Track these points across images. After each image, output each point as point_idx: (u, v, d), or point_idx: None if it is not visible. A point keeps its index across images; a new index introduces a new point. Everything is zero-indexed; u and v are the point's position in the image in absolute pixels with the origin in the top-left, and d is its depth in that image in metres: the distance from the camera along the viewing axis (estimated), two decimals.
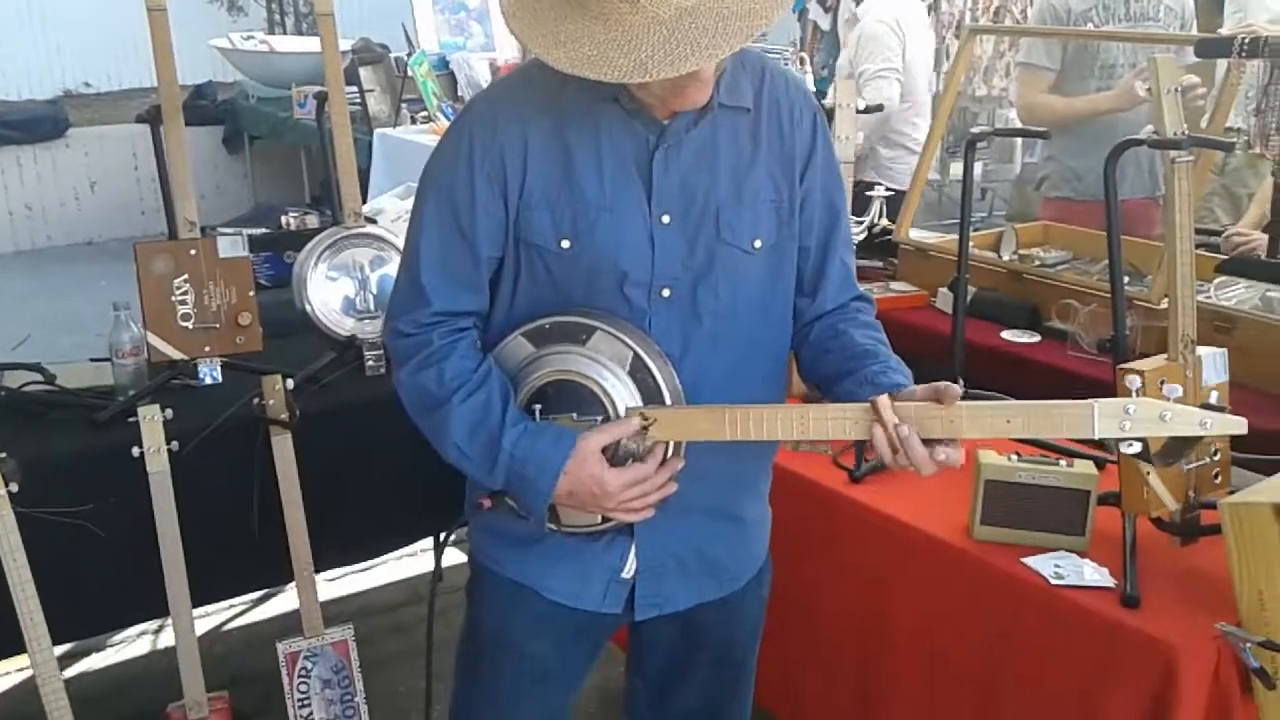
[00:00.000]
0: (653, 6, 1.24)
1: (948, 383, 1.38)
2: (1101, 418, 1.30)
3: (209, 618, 3.19)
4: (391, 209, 3.61)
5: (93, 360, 2.53)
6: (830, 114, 2.51)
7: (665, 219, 1.47)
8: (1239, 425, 1.30)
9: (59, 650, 2.01)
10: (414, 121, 5.53)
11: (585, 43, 1.27)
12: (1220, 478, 1.88)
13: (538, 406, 1.47)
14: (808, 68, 4.57)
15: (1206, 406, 1.34)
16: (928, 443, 1.36)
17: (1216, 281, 2.57)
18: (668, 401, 1.45)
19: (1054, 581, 1.81)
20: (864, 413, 1.38)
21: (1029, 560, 1.87)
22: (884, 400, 1.36)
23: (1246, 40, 2.42)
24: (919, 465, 1.37)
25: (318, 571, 2.35)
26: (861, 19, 4.46)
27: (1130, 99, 3.26)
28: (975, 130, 2.60)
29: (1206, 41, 2.61)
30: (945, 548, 1.95)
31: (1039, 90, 3.52)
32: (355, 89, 5.45)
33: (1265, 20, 4.06)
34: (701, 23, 1.24)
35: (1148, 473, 1.73)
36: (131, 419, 2.13)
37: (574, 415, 1.46)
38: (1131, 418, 1.30)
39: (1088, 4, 3.44)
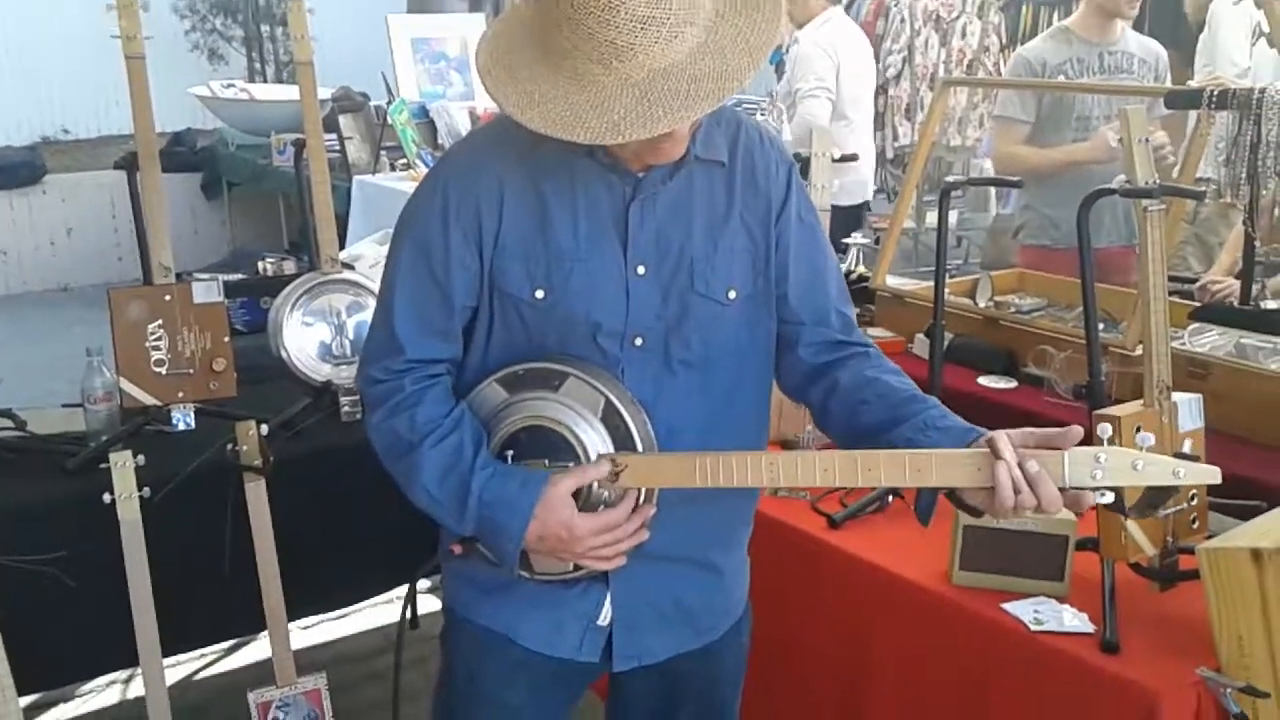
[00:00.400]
0: (625, 68, 1.25)
1: (1070, 427, 1.32)
2: (1072, 465, 1.30)
3: (180, 667, 3.13)
4: (369, 255, 3.61)
5: (65, 406, 2.50)
6: (807, 164, 2.53)
7: (640, 270, 1.48)
8: (1213, 475, 1.30)
9: (26, 701, 1.97)
10: (393, 168, 5.55)
11: (559, 103, 1.27)
12: (1198, 523, 1.89)
13: (510, 453, 1.46)
14: (784, 119, 4.63)
15: (1180, 455, 1.33)
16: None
17: (1190, 328, 2.59)
18: (639, 448, 1.45)
19: (1034, 627, 1.80)
20: (964, 458, 1.33)
21: (1008, 606, 1.86)
22: (1002, 436, 1.31)
23: (1215, 92, 2.47)
24: (1050, 504, 1.31)
25: (291, 619, 2.31)
26: (800, 43, 4.75)
27: (1105, 151, 3.31)
28: (950, 179, 2.62)
29: (1176, 94, 2.66)
30: (925, 593, 1.95)
31: (1014, 142, 3.57)
32: (334, 136, 5.48)
33: (1232, 74, 4.15)
34: (674, 85, 1.25)
35: (1126, 520, 1.73)
36: (103, 465, 2.10)
37: (546, 461, 1.45)
38: (1103, 467, 1.29)
39: (1062, 58, 3.50)
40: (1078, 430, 1.32)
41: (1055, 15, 6.84)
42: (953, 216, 4.60)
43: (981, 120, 6.59)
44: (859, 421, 1.51)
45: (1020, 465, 1.30)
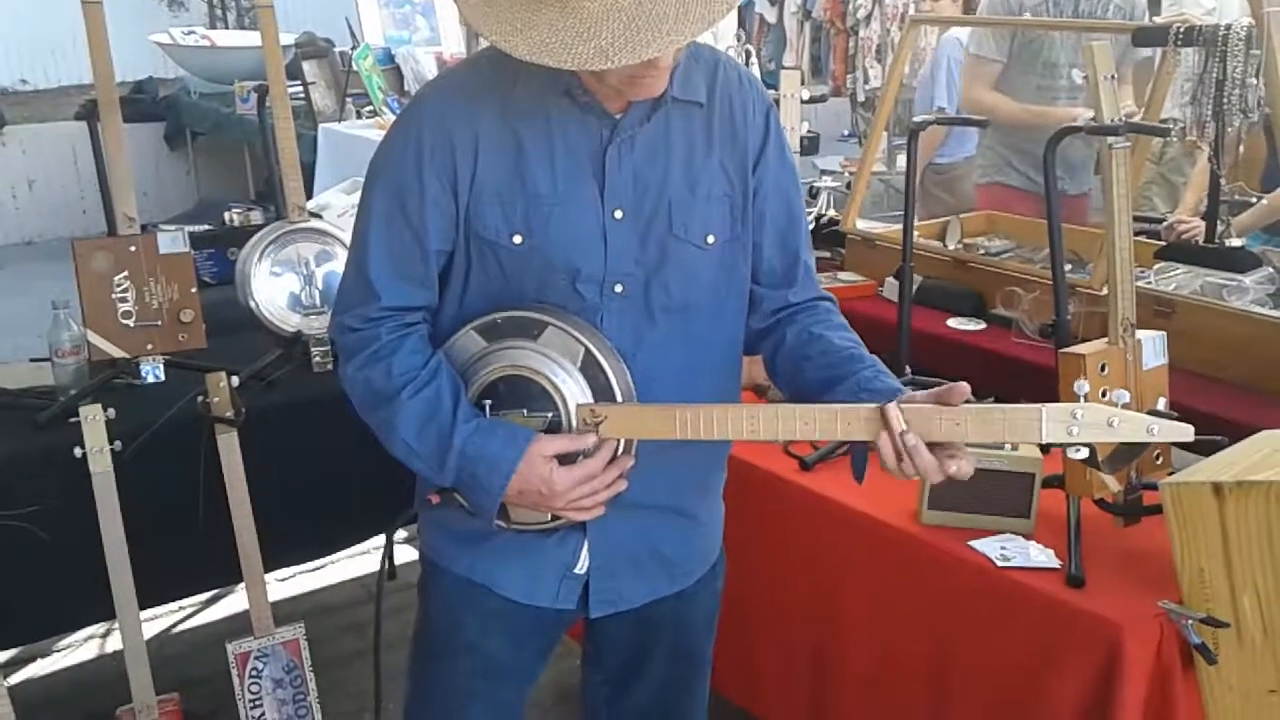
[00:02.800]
0: None
1: (957, 383, 1.35)
2: (1049, 422, 1.31)
3: (157, 620, 3.14)
4: (337, 204, 3.58)
5: (32, 360, 2.48)
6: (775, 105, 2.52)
7: (618, 214, 1.47)
8: (1186, 432, 1.32)
9: (2, 656, 1.98)
10: (359, 116, 5.49)
11: (543, 29, 1.25)
12: (1161, 459, 1.92)
13: (488, 402, 1.45)
14: (754, 61, 4.59)
15: (1154, 413, 1.34)
16: (933, 448, 1.33)
17: (1157, 267, 2.62)
18: (619, 398, 1.44)
19: (1000, 564, 1.83)
20: (865, 416, 1.35)
21: (976, 543, 1.89)
22: (893, 408, 1.33)
23: (1181, 29, 2.47)
24: (926, 473, 1.34)
25: (267, 571, 2.32)
26: None
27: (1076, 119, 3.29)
28: (917, 119, 2.62)
29: (1144, 30, 2.67)
30: (894, 533, 1.97)
31: (987, 83, 3.54)
32: (299, 84, 5.40)
33: (1199, 14, 4.14)
34: (661, 9, 1.23)
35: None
36: (73, 419, 2.09)
37: (524, 411, 1.45)
38: (1079, 423, 1.30)
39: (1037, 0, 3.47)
40: (964, 386, 1.35)
41: None
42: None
43: None
44: (801, 379, 1.54)
45: (901, 435, 1.33)
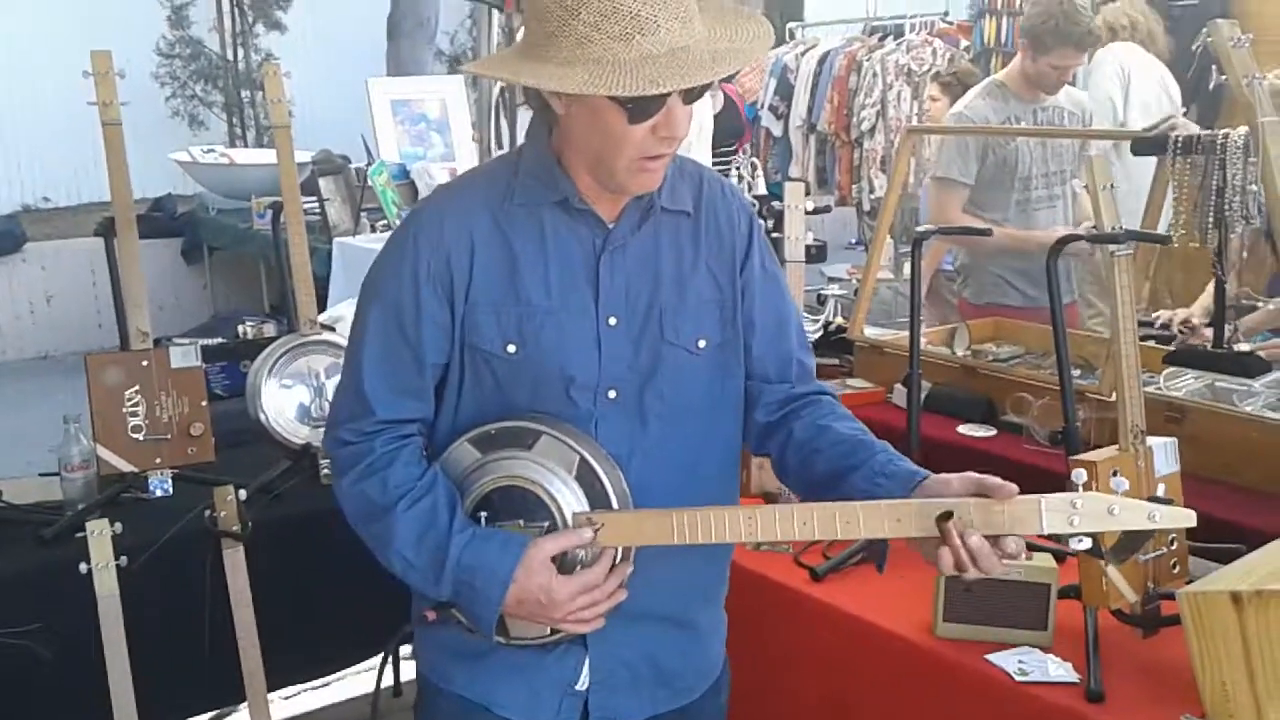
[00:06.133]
0: (646, 43, 1.30)
1: (999, 479, 1.34)
2: (1049, 513, 1.30)
3: None
4: (349, 316, 3.59)
5: (41, 475, 2.48)
6: (780, 216, 2.56)
7: (612, 321, 1.48)
8: (1188, 518, 1.30)
9: None
10: (374, 230, 5.57)
11: (583, 74, 1.30)
12: (1178, 568, 1.89)
13: (483, 514, 1.44)
14: (759, 172, 4.67)
15: (1154, 499, 1.33)
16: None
17: (1166, 372, 2.61)
18: (615, 506, 1.43)
19: (1018, 678, 1.79)
20: (907, 511, 1.34)
21: (993, 657, 1.85)
22: (951, 526, 1.32)
23: (1180, 139, 2.51)
24: (990, 571, 1.33)
25: (272, 689, 2.28)
26: None
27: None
28: (920, 229, 2.65)
29: (1142, 140, 2.71)
30: (909, 646, 1.93)
31: (954, 205, 3.49)
32: (314, 199, 5.50)
33: (1108, 113, 4.25)
34: (694, 57, 1.32)
35: (1105, 565, 1.73)
36: (80, 534, 2.08)
37: (521, 522, 1.43)
38: (1079, 512, 1.29)
39: (1001, 116, 3.52)
40: (1012, 487, 1.34)
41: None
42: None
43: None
44: (813, 472, 1.53)
45: (964, 538, 1.32)
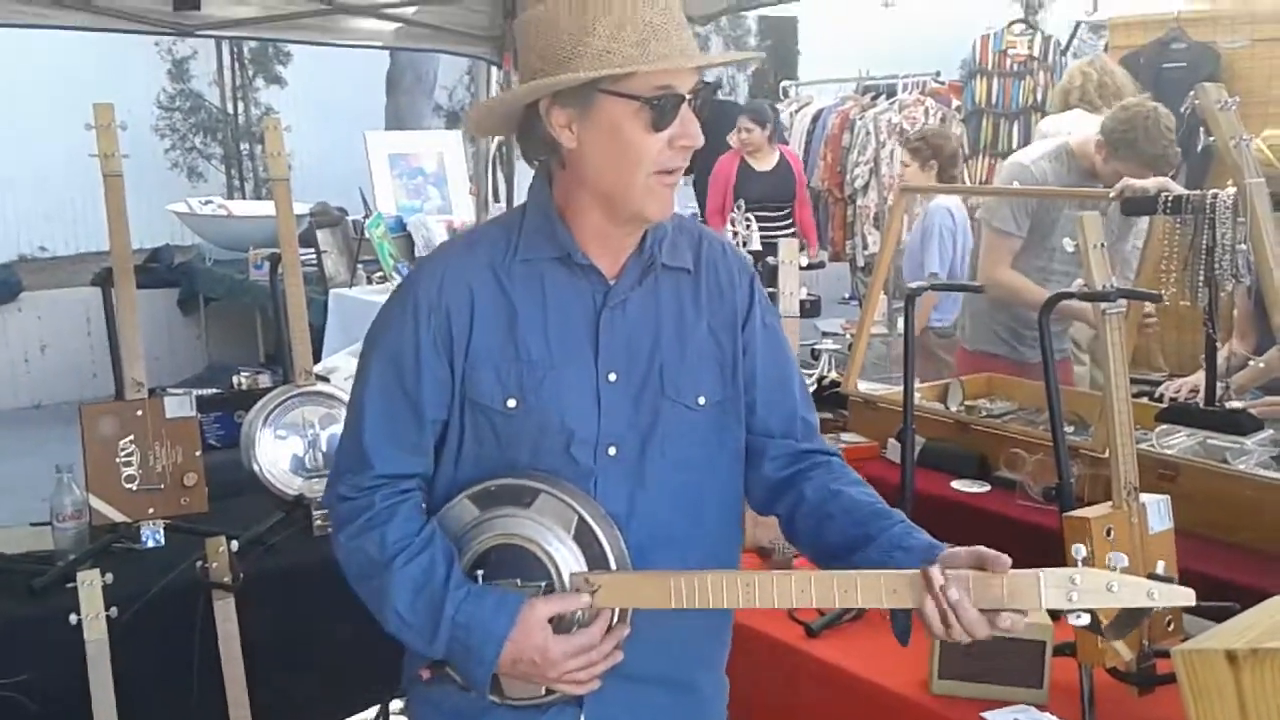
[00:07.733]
0: (660, 48, 1.37)
1: (996, 552, 1.34)
2: (1048, 589, 1.30)
3: None
4: (344, 367, 3.62)
5: (33, 525, 2.47)
6: (774, 271, 2.58)
7: (612, 376, 1.48)
8: (1187, 596, 1.30)
9: None
10: (370, 281, 5.61)
11: (619, 62, 1.36)
12: (1173, 626, 1.88)
13: (480, 572, 1.44)
14: (754, 229, 4.73)
15: (1154, 576, 1.33)
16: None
17: (1158, 430, 2.62)
18: (613, 566, 1.43)
19: None
20: (903, 582, 1.35)
21: (989, 715, 1.84)
22: (935, 572, 1.32)
23: (1170, 198, 2.55)
24: (978, 636, 1.33)
25: None
26: None
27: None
28: (913, 285, 2.67)
29: (1132, 200, 2.74)
30: (904, 703, 1.92)
31: (1006, 256, 3.45)
32: (312, 251, 5.54)
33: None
34: (699, 55, 1.43)
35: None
36: (70, 585, 2.07)
37: (518, 580, 1.43)
38: (1078, 588, 1.28)
39: (1063, 184, 3.40)
40: (1006, 559, 1.34)
41: (1015, 127, 7.02)
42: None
43: None
44: (826, 538, 1.52)
45: (942, 589, 1.32)
